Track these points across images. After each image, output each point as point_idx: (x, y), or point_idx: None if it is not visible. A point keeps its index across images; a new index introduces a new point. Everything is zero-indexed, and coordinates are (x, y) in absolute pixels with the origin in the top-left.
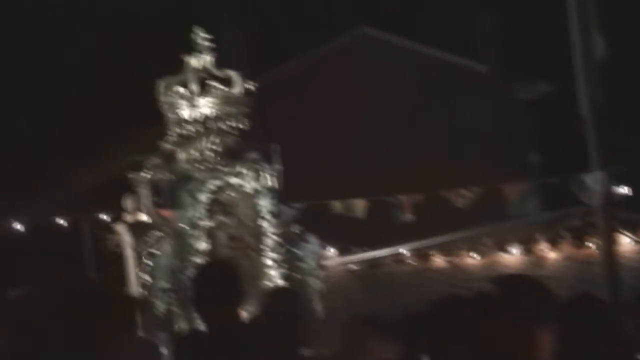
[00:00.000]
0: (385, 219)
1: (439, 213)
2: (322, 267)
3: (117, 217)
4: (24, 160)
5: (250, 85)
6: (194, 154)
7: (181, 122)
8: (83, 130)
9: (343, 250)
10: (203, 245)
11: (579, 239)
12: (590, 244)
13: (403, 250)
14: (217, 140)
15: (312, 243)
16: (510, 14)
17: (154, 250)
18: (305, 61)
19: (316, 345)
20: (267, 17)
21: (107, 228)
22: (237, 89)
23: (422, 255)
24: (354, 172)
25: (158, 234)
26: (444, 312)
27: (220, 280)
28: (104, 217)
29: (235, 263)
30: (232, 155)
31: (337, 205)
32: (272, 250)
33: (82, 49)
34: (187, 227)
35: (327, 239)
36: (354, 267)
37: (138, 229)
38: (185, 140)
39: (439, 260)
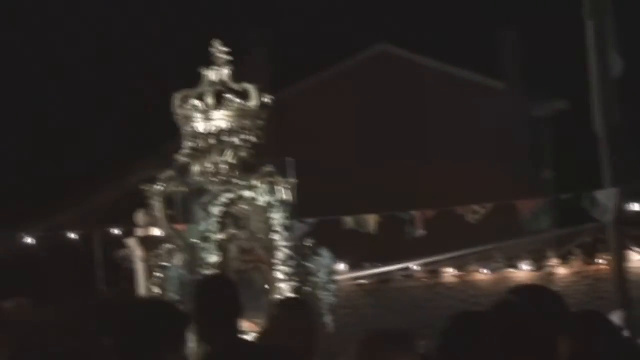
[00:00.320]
0: (397, 234)
1: (451, 229)
2: (334, 281)
3: (130, 232)
4: (38, 175)
5: (268, 99)
6: (208, 167)
7: (196, 135)
8: (99, 145)
9: (355, 265)
10: (214, 258)
11: (590, 255)
12: (601, 261)
13: (414, 265)
14: (232, 154)
15: (325, 257)
16: (529, 32)
17: (164, 263)
18: (326, 77)
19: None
20: (289, 33)
21: (119, 242)
22: (253, 102)
23: (433, 270)
24: (368, 187)
25: (170, 246)
26: (462, 327)
27: (218, 295)
28: (116, 231)
29: (233, 277)
30: (247, 168)
31: (349, 221)
32: (284, 264)
33: (97, 63)
34: (199, 240)
35: (338, 254)
36: (365, 282)
37: (149, 242)
38: (200, 154)
39: (449, 276)
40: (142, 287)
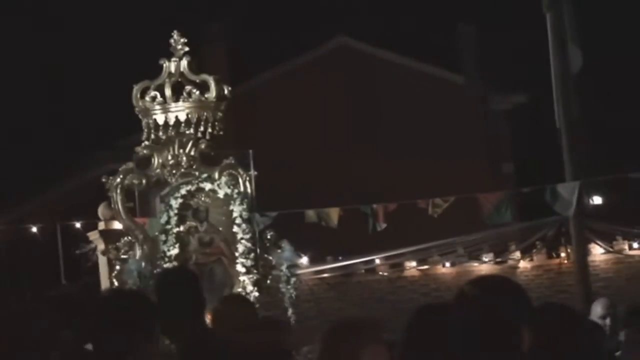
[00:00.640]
0: (359, 227)
1: (413, 222)
2: (295, 274)
3: (93, 226)
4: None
5: (227, 90)
6: (169, 159)
7: (155, 127)
8: (61, 137)
9: (317, 259)
10: (174, 250)
11: (552, 248)
12: (563, 254)
13: (376, 259)
14: (192, 146)
15: (286, 250)
16: (488, 25)
17: (124, 256)
18: (285, 70)
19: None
20: (247, 25)
21: (82, 236)
22: (212, 94)
23: (395, 264)
24: (328, 180)
25: (129, 239)
26: (424, 321)
27: (181, 289)
28: (78, 225)
29: (195, 269)
30: (207, 160)
31: (311, 214)
32: (245, 257)
33: (55, 55)
34: (158, 233)
35: (301, 247)
36: (327, 275)
37: (111, 235)
38: (160, 146)
39: (412, 269)
40: (104, 280)
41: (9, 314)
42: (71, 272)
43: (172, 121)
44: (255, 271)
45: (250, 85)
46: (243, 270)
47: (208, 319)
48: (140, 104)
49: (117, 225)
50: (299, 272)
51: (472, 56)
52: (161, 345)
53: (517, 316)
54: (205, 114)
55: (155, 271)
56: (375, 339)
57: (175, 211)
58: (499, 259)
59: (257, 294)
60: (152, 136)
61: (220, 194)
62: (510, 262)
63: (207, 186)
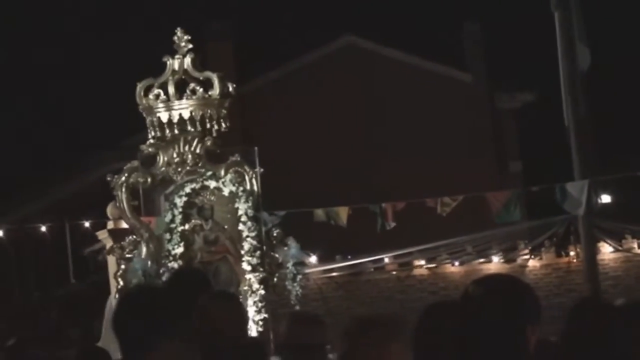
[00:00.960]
0: (368, 226)
1: (421, 221)
2: (301, 271)
3: (102, 225)
4: (8, 166)
5: (231, 87)
6: (174, 157)
7: (159, 124)
8: (71, 137)
9: (325, 258)
10: (179, 249)
11: (561, 247)
12: (572, 253)
13: (385, 258)
14: (197, 143)
15: (292, 247)
16: (495, 23)
17: (128, 255)
18: (293, 68)
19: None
20: (254, 24)
21: (90, 235)
22: (216, 91)
23: (404, 263)
24: (337, 179)
25: (134, 238)
26: (428, 318)
27: (194, 289)
28: (86, 224)
29: (206, 269)
30: (213, 158)
31: (320, 213)
32: (250, 254)
33: (65, 53)
34: (163, 231)
35: (309, 247)
36: (336, 274)
37: (120, 234)
38: (165, 144)
39: (420, 268)
40: (113, 280)
41: (17, 313)
42: (80, 271)
43: (175, 119)
44: (261, 269)
45: (257, 84)
46: (249, 268)
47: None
48: (144, 102)
49: (125, 224)
50: (308, 270)
51: (480, 54)
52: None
53: (522, 316)
54: (209, 111)
55: (161, 270)
56: (400, 336)
57: (180, 209)
58: (507, 258)
59: (263, 292)
60: (157, 134)
61: (225, 192)
62: (519, 261)
63: (212, 184)
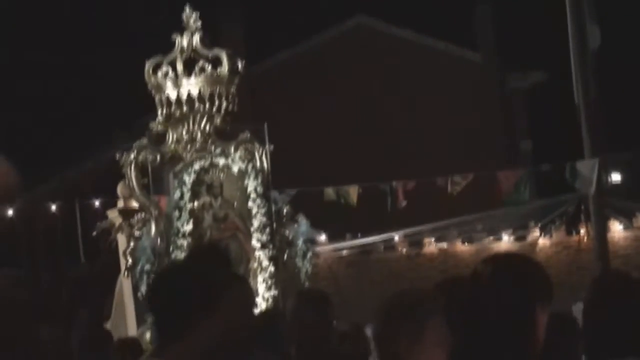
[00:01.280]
0: (378, 205)
1: (431, 200)
2: (311, 249)
3: (113, 204)
4: (18, 147)
5: (240, 64)
6: (183, 135)
7: (168, 102)
8: (81, 117)
9: (335, 237)
10: (188, 226)
11: (571, 225)
12: (582, 231)
13: (395, 236)
14: (207, 121)
15: (302, 225)
16: (506, 3)
17: (137, 232)
18: (304, 48)
19: None
20: (266, 4)
21: (101, 215)
22: (225, 68)
23: (414, 241)
24: (347, 158)
25: (143, 215)
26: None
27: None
28: (97, 203)
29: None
30: (222, 135)
31: (330, 192)
32: (260, 232)
33: (78, 32)
34: (172, 209)
35: (319, 225)
36: (346, 253)
37: (130, 213)
38: (175, 121)
39: (430, 247)
40: (123, 259)
41: (24, 293)
42: (90, 251)
43: (184, 97)
44: (271, 246)
45: (269, 64)
46: (259, 245)
47: None
48: (153, 80)
49: (136, 203)
50: (318, 249)
51: (490, 34)
52: None
53: (532, 294)
54: (218, 88)
55: (170, 248)
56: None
57: (189, 187)
58: (518, 236)
59: (273, 269)
60: (166, 112)
61: (235, 169)
62: (530, 240)
63: (221, 162)
